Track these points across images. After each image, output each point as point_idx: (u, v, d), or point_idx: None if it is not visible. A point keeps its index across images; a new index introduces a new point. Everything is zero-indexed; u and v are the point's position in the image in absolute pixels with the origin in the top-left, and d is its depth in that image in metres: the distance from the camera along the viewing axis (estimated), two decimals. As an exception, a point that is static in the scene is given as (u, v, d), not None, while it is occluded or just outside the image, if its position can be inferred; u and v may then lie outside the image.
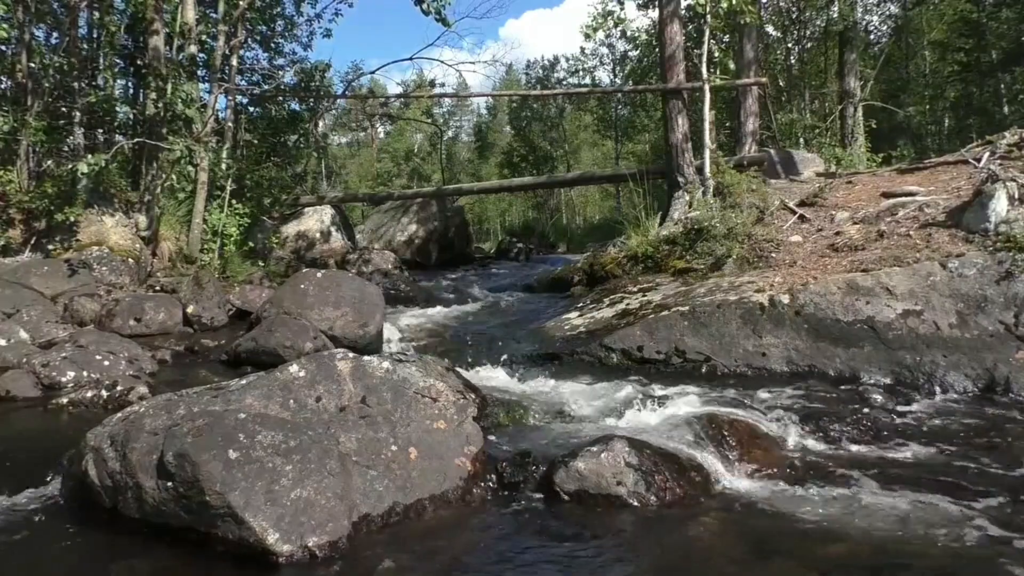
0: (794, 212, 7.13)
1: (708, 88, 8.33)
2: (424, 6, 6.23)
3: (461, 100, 38.75)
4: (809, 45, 18.26)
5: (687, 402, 3.86)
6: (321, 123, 17.32)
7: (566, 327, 5.99)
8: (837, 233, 6.34)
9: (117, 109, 9.70)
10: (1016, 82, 17.56)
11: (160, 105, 8.13)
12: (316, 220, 12.24)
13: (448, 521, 2.66)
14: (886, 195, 6.92)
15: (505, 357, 5.43)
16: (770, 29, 17.48)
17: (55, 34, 9.54)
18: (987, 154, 6.88)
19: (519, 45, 72.96)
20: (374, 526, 2.54)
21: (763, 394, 4.14)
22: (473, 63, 53.89)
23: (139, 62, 10.29)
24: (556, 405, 3.94)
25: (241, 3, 9.91)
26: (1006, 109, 17.23)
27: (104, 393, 4.22)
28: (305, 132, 13.57)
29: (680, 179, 8.99)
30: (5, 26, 7.09)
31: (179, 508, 2.40)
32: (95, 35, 9.88)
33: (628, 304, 6.06)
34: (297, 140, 13.51)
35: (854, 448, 3.38)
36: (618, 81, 24.07)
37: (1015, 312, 4.55)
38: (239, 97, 11.85)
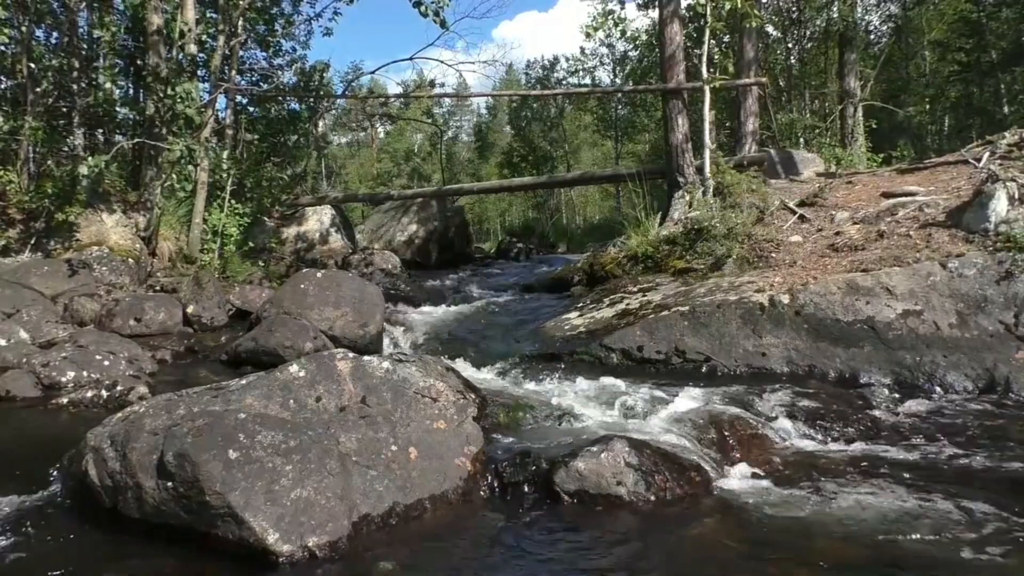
0: (794, 212, 7.13)
1: (708, 88, 8.33)
2: (422, 8, 6.22)
3: (461, 100, 38.79)
4: (809, 45, 18.25)
5: (687, 402, 3.86)
6: (321, 123, 17.30)
7: (566, 327, 5.99)
8: (837, 233, 6.34)
9: (117, 109, 9.69)
10: (1016, 82, 17.55)
11: (160, 105, 8.13)
12: (316, 220, 12.22)
13: (448, 521, 2.66)
14: (886, 195, 6.92)
15: (505, 357, 5.44)
16: (770, 29, 17.46)
17: (55, 34, 9.54)
18: (987, 154, 6.89)
19: (519, 45, 73.06)
20: (374, 526, 2.54)
21: (763, 394, 4.13)
22: (473, 63, 53.97)
23: (139, 62, 10.30)
24: (556, 405, 3.94)
25: (241, 3, 9.91)
26: (1006, 109, 17.22)
27: (104, 393, 4.23)
28: (305, 132, 13.56)
29: (680, 179, 8.98)
30: (7, 30, 7.09)
31: (179, 508, 2.40)
32: (95, 35, 9.88)
33: (628, 304, 6.06)
34: (297, 140, 13.50)
35: (854, 448, 3.38)
36: (618, 81, 24.06)
37: (1015, 312, 4.55)
38: (239, 97, 11.86)
